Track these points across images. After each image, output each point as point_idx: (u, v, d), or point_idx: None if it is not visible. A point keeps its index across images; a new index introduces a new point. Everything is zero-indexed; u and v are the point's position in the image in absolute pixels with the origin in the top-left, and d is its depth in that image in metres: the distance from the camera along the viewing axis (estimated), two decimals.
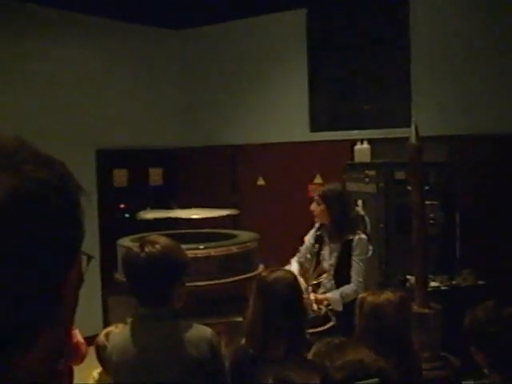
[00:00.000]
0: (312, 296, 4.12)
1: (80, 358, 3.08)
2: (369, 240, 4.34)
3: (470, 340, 2.63)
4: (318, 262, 4.32)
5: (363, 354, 1.91)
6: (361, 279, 4.15)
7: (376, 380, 1.79)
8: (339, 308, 4.08)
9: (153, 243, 2.41)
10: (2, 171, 0.63)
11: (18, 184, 0.63)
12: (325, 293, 4.22)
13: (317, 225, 4.45)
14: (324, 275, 4.27)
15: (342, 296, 4.11)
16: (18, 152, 0.66)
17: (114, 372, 2.49)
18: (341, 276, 4.19)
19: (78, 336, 3.12)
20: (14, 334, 0.63)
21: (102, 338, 3.22)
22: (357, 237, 4.25)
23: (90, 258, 0.76)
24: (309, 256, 4.45)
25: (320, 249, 4.35)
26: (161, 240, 2.46)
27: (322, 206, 4.28)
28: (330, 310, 4.09)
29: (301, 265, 4.44)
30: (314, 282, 4.24)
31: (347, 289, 4.14)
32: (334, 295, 4.13)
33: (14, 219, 0.61)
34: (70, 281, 0.69)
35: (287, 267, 4.30)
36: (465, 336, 2.61)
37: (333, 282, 4.23)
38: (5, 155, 0.65)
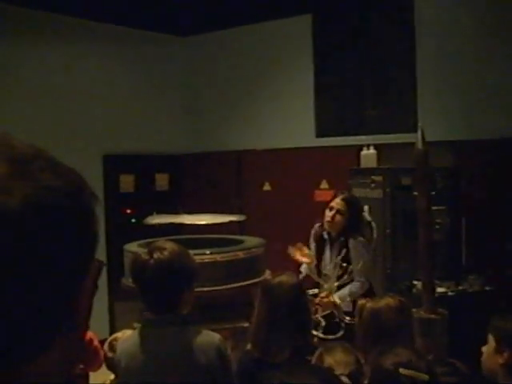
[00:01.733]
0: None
1: (99, 362, 3.01)
2: (369, 243, 4.31)
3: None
4: (319, 263, 4.30)
5: (417, 356, 1.95)
6: (362, 279, 4.16)
7: (426, 377, 1.81)
8: (346, 308, 4.04)
9: (161, 249, 2.42)
10: (18, 179, 0.63)
11: (33, 192, 0.63)
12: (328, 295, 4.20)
13: (316, 226, 4.41)
14: (345, 276, 4.11)
15: (349, 294, 4.08)
16: (34, 160, 0.66)
17: (122, 378, 2.49)
18: (342, 276, 4.16)
19: (95, 341, 3.04)
20: (30, 339, 0.63)
21: (106, 347, 3.16)
22: (352, 239, 4.23)
23: (102, 264, 0.77)
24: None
25: (321, 250, 4.33)
26: (169, 246, 2.47)
27: (345, 216, 4.22)
28: (340, 320, 4.00)
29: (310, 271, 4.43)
30: (336, 284, 4.17)
31: (353, 286, 4.13)
32: (342, 294, 4.09)
33: (29, 227, 0.61)
34: (84, 288, 0.70)
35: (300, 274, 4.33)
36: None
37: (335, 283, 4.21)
38: (21, 163, 0.65)
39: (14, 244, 0.61)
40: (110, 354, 2.87)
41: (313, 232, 4.42)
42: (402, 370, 1.85)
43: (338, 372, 2.27)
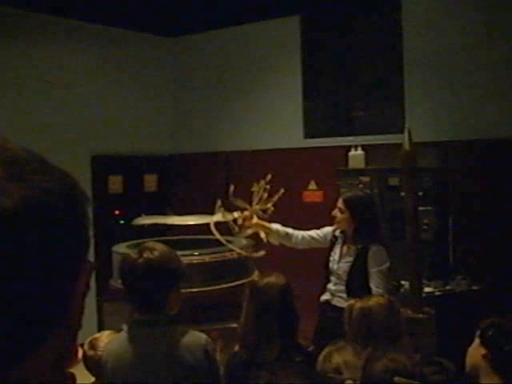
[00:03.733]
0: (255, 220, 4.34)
1: (75, 360, 3.00)
2: (386, 250, 4.28)
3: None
4: (327, 261, 4.30)
5: (412, 360, 1.94)
6: (381, 291, 4.03)
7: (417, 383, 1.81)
8: (324, 297, 4.10)
9: (151, 250, 2.44)
10: (12, 181, 0.64)
11: (27, 194, 0.64)
12: (333, 296, 4.21)
13: (335, 226, 4.40)
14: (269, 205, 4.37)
15: None
16: (27, 162, 0.68)
17: (109, 378, 2.49)
18: (353, 283, 4.14)
19: None
20: (22, 338, 0.64)
21: (86, 346, 3.14)
22: (374, 247, 4.18)
23: (93, 265, 0.77)
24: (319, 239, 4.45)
25: (331, 248, 4.33)
26: (158, 247, 2.49)
27: (346, 214, 4.23)
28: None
29: (308, 236, 4.45)
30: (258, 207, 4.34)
31: None
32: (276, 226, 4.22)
33: (23, 228, 0.62)
34: (77, 288, 0.71)
35: (295, 233, 4.43)
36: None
37: (342, 287, 4.20)
38: (15, 165, 0.66)
39: (9, 244, 0.62)
40: (90, 353, 2.87)
41: (331, 230, 4.42)
42: (397, 379, 1.85)
43: (345, 375, 2.27)
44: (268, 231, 4.49)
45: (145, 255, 2.41)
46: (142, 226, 6.71)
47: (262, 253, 4.43)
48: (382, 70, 6.77)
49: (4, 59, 6.60)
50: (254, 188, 4.40)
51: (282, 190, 4.44)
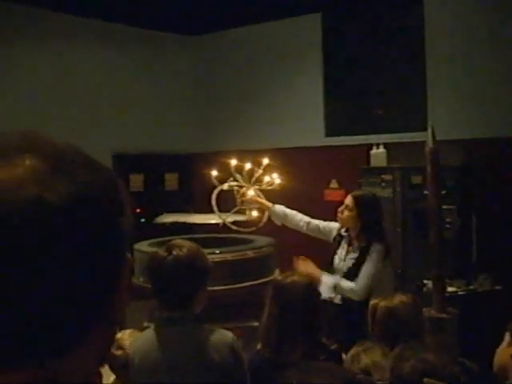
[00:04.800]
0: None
1: None
2: (388, 253, 4.24)
3: None
4: (332, 258, 4.27)
5: (442, 359, 1.91)
6: (363, 282, 4.01)
7: None
8: (325, 294, 4.02)
9: (179, 247, 2.44)
10: (58, 176, 0.65)
11: (73, 188, 0.65)
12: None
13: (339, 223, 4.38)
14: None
15: (335, 284, 4.02)
16: (72, 157, 0.69)
17: (135, 376, 2.50)
18: (348, 277, 4.13)
19: None
20: (67, 331, 0.65)
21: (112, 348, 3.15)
22: (376, 245, 4.14)
23: (131, 261, 0.78)
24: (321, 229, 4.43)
25: (337, 246, 4.31)
26: (186, 244, 2.49)
27: (353, 212, 4.20)
28: None
29: (309, 223, 4.43)
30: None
31: (345, 283, 4.03)
32: (327, 279, 4.04)
33: (69, 222, 0.63)
34: (120, 282, 0.72)
35: (298, 216, 4.46)
36: None
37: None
38: (60, 159, 0.67)
39: (55, 238, 0.62)
40: (118, 353, 2.87)
41: (337, 227, 4.39)
42: (426, 381, 1.82)
43: (374, 376, 2.24)
44: (266, 209, 4.59)
45: (174, 253, 2.41)
46: (164, 224, 6.74)
47: (251, 229, 4.68)
48: (404, 66, 6.71)
49: (28, 58, 6.66)
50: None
51: (277, 178, 4.59)
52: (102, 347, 0.73)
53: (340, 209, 4.25)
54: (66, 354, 0.66)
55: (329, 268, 4.24)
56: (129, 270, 0.76)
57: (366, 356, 2.38)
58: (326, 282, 4.02)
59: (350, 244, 4.25)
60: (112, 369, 3.04)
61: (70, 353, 0.67)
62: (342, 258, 4.23)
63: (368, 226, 4.16)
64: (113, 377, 3.18)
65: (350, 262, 4.18)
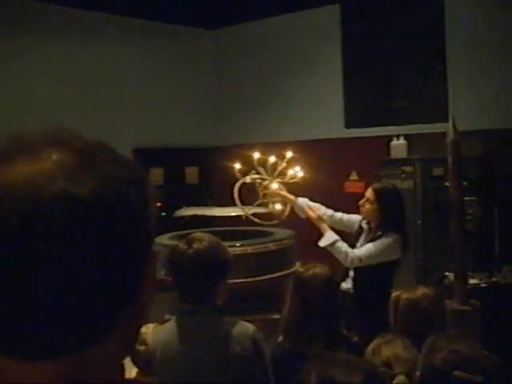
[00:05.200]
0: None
1: None
2: (405, 243, 4.21)
3: None
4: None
5: (475, 351, 1.90)
6: (361, 252, 4.01)
7: (480, 378, 1.77)
8: (321, 243, 4.08)
9: (200, 240, 2.45)
10: (86, 169, 0.66)
11: (100, 182, 0.66)
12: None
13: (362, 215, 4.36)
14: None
15: (335, 240, 4.05)
16: (99, 152, 0.70)
17: (158, 368, 2.51)
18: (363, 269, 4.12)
19: None
20: (94, 325, 0.67)
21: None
22: (393, 235, 4.11)
23: (156, 255, 0.79)
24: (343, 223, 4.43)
25: (357, 238, 4.29)
26: (207, 237, 2.50)
27: (375, 205, 4.18)
28: None
29: (332, 216, 4.42)
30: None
31: (343, 244, 4.05)
32: (330, 234, 4.10)
33: (97, 216, 0.64)
34: (147, 275, 0.73)
35: (321, 210, 4.43)
36: None
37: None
38: (88, 154, 0.69)
39: (83, 231, 0.63)
40: (141, 348, 2.89)
41: (359, 219, 4.37)
42: (456, 373, 1.81)
43: (396, 369, 2.24)
44: (289, 202, 4.57)
45: (194, 246, 2.42)
46: (184, 217, 6.77)
47: (273, 222, 4.64)
48: (424, 56, 6.65)
49: (50, 52, 6.71)
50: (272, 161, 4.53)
51: (299, 171, 4.57)
52: (127, 340, 0.75)
53: (361, 202, 4.23)
54: (92, 346, 0.68)
55: None
56: (154, 264, 0.77)
57: (387, 348, 2.36)
58: (328, 237, 4.09)
59: (369, 235, 4.23)
60: (135, 363, 3.06)
61: (97, 345, 0.68)
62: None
63: (389, 218, 4.15)
64: (135, 370, 3.21)
65: None
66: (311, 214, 4.30)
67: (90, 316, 0.65)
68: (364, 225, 4.29)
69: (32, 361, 0.66)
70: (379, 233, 4.14)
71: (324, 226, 4.21)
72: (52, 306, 0.63)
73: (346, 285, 4.19)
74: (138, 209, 0.70)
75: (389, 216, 4.15)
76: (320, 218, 4.29)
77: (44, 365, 0.66)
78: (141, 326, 0.79)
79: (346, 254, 4.02)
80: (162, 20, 7.65)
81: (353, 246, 4.19)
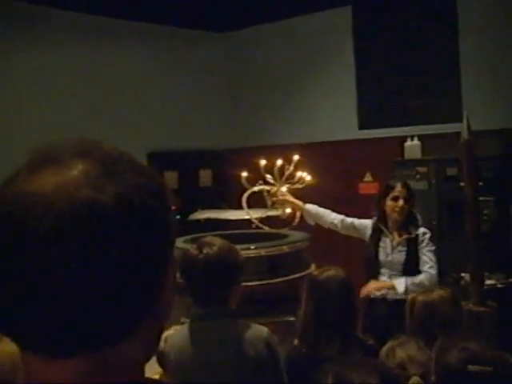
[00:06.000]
0: None
1: None
2: (432, 236, 4.22)
3: None
4: (376, 252, 4.21)
5: (483, 346, 1.91)
6: (434, 272, 3.99)
7: (490, 369, 1.78)
8: (399, 293, 3.97)
9: (210, 245, 2.45)
10: (108, 178, 0.70)
11: (121, 190, 0.70)
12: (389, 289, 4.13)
13: (375, 218, 4.32)
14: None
15: (407, 283, 3.95)
16: (119, 161, 0.74)
17: (172, 371, 2.52)
18: (408, 271, 4.07)
19: None
20: (116, 325, 0.70)
21: (161, 342, 3.15)
22: (421, 230, 4.16)
23: (176, 260, 0.83)
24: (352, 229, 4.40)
25: (378, 240, 4.25)
26: (217, 241, 2.50)
27: (408, 203, 4.17)
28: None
29: (343, 221, 4.39)
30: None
31: (416, 278, 3.97)
32: (398, 282, 4.00)
33: (118, 222, 0.68)
34: (166, 280, 0.76)
35: (332, 215, 4.43)
36: None
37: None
38: (110, 164, 0.72)
39: (105, 237, 0.67)
40: (162, 348, 2.89)
41: (371, 224, 4.32)
42: (470, 367, 1.81)
43: (410, 371, 2.23)
44: (298, 209, 4.58)
45: (204, 251, 2.42)
46: (198, 220, 6.78)
47: (284, 228, 4.69)
48: (438, 56, 6.62)
49: (63, 57, 6.76)
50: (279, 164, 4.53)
51: (307, 176, 4.58)
52: (149, 341, 0.78)
53: (399, 203, 4.11)
54: (114, 346, 0.71)
55: (373, 263, 4.20)
56: (175, 267, 0.81)
57: (400, 350, 2.36)
58: (399, 284, 3.98)
59: (393, 234, 4.18)
60: (160, 363, 3.08)
61: (119, 345, 0.71)
62: (389, 251, 4.16)
63: (412, 213, 4.15)
64: (159, 370, 3.21)
65: (400, 255, 4.12)
66: (364, 292, 4.08)
67: (113, 316, 0.69)
68: (382, 227, 4.22)
69: (54, 359, 0.69)
70: (407, 234, 4.12)
71: (387, 284, 4.09)
72: (76, 306, 0.66)
73: (379, 292, 4.15)
74: (158, 215, 0.74)
75: (412, 213, 4.15)
76: (383, 285, 4.14)
77: (66, 363, 0.69)
78: (163, 327, 0.82)
79: (427, 280, 3.96)
80: (175, 24, 7.68)
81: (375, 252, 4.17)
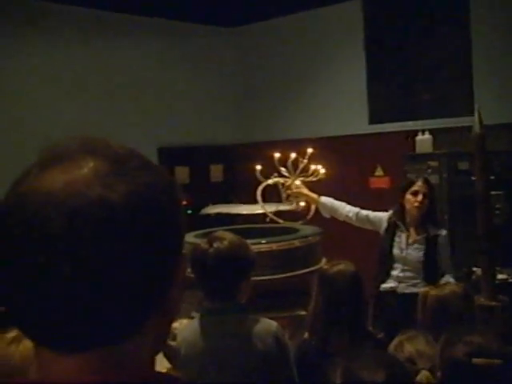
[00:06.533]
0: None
1: None
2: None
3: None
4: (391, 247, 4.20)
5: (488, 338, 1.91)
6: (451, 278, 4.01)
7: (499, 361, 1.79)
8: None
9: (220, 239, 2.45)
10: (118, 177, 0.70)
11: (132, 188, 0.70)
12: (400, 283, 4.13)
13: (390, 211, 4.31)
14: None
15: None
16: (129, 159, 0.74)
17: (182, 366, 2.54)
18: (430, 271, 4.07)
19: None
20: (125, 320, 0.71)
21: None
22: (444, 232, 4.18)
23: (186, 256, 0.83)
24: (366, 220, 4.39)
25: (393, 235, 4.24)
26: (228, 236, 2.50)
27: (428, 200, 4.14)
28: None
29: (358, 214, 4.38)
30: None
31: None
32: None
33: (129, 220, 0.69)
34: (176, 276, 0.77)
35: (347, 208, 4.43)
36: None
37: (410, 273, 4.11)
38: (119, 162, 0.73)
39: (116, 235, 0.68)
40: (173, 343, 2.91)
41: (386, 217, 4.31)
42: (475, 361, 1.81)
43: (419, 365, 2.23)
44: (313, 202, 4.56)
45: (215, 245, 2.43)
46: (209, 215, 6.80)
47: (299, 222, 4.69)
48: (449, 50, 6.58)
49: (74, 53, 6.78)
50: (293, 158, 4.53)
51: (322, 169, 4.56)
52: (159, 336, 0.79)
53: (419, 198, 4.10)
54: (125, 340, 0.72)
55: (387, 257, 4.19)
56: (184, 263, 0.81)
57: (409, 345, 2.36)
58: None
59: (409, 231, 4.17)
60: (167, 358, 3.09)
61: (129, 339, 0.72)
62: (404, 247, 4.15)
63: (433, 210, 4.14)
64: (167, 365, 3.23)
65: (415, 253, 4.11)
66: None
67: (124, 311, 0.69)
68: (399, 223, 4.21)
69: (67, 354, 0.70)
70: (426, 233, 4.12)
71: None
72: (88, 301, 0.67)
73: (389, 285, 4.17)
74: (168, 213, 0.74)
75: (433, 207, 4.15)
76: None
77: (79, 358, 0.70)
78: (172, 322, 0.83)
79: None
80: (185, 19, 7.69)
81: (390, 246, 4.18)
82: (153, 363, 0.81)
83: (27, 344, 1.51)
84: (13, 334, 1.65)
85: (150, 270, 0.70)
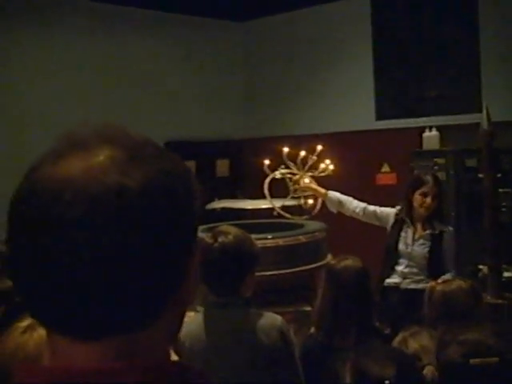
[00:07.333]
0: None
1: None
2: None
3: None
4: (397, 242, 4.19)
5: (484, 335, 1.90)
6: (454, 274, 3.98)
7: (496, 359, 1.78)
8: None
9: (225, 234, 2.46)
10: (134, 164, 0.71)
11: (148, 175, 0.70)
12: (404, 278, 4.12)
13: (398, 207, 4.30)
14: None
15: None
16: (146, 148, 0.75)
17: (186, 359, 2.54)
18: (434, 267, 4.06)
19: None
20: (141, 310, 0.71)
21: None
22: (450, 229, 4.17)
23: (198, 246, 0.82)
24: (374, 216, 4.38)
25: (399, 230, 4.22)
26: (232, 230, 2.50)
27: (436, 198, 4.12)
28: None
29: (365, 209, 4.37)
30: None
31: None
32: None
33: (145, 207, 0.69)
34: (190, 265, 0.77)
35: (354, 203, 4.42)
36: None
37: (415, 269, 4.09)
38: (136, 149, 0.73)
39: (132, 222, 0.68)
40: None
41: (394, 213, 4.30)
42: (472, 361, 1.81)
43: (424, 361, 2.23)
44: (321, 196, 4.55)
45: (219, 239, 2.43)
46: (215, 210, 6.80)
47: (304, 217, 4.68)
48: (457, 46, 6.55)
49: (84, 47, 6.79)
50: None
51: (331, 165, 4.57)
52: (173, 326, 0.79)
53: (428, 200, 4.08)
54: (141, 330, 0.71)
55: (392, 252, 4.18)
56: (197, 253, 0.80)
57: (413, 341, 2.36)
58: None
59: (415, 227, 4.16)
60: (175, 351, 3.09)
61: (144, 328, 0.72)
62: (409, 242, 4.14)
63: (439, 208, 4.13)
64: (175, 357, 3.23)
65: (421, 249, 4.10)
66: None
67: (140, 300, 0.69)
68: (407, 218, 4.19)
69: (83, 341, 0.70)
70: (433, 230, 4.11)
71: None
72: (106, 289, 0.67)
73: (394, 280, 4.16)
74: (184, 200, 0.74)
75: (440, 205, 4.14)
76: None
77: (95, 346, 0.70)
78: (185, 313, 0.82)
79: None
80: (192, 13, 7.68)
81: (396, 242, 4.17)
82: (168, 353, 0.81)
83: (41, 332, 1.51)
84: (26, 322, 1.66)
85: (167, 258, 0.71)
